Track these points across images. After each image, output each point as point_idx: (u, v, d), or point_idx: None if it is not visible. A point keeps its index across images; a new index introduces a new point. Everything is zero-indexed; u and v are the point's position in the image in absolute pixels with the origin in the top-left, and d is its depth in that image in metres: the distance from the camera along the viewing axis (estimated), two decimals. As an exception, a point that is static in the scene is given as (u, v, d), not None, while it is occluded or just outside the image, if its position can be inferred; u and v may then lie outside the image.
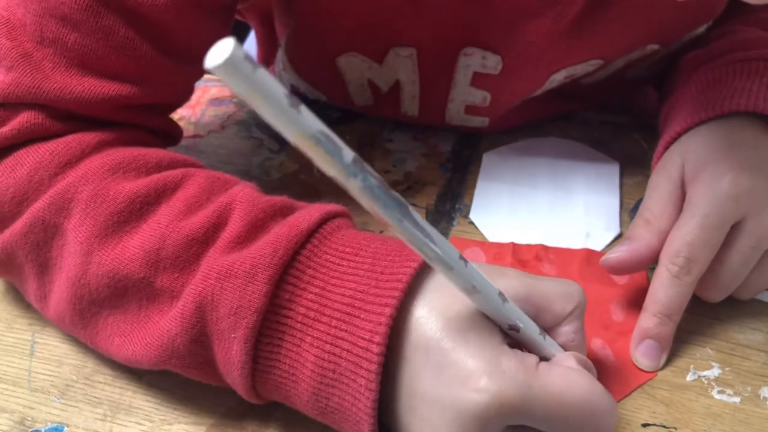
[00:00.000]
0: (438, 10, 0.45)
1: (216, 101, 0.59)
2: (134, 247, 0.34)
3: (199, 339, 0.33)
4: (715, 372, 0.39)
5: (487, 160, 0.53)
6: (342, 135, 0.60)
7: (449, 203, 0.49)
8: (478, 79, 0.49)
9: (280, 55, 0.56)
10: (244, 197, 0.35)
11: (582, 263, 0.44)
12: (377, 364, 0.30)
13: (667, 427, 0.36)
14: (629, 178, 0.50)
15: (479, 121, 0.53)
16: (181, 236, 0.34)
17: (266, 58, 0.66)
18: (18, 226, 0.37)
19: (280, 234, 0.33)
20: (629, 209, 0.48)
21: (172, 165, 0.38)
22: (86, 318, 0.36)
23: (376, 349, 0.30)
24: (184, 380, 0.38)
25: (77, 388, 0.39)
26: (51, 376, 0.39)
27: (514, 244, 0.46)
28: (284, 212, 0.35)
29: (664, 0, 0.45)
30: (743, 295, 0.40)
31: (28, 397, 0.38)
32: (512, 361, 0.29)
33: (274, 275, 0.32)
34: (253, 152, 0.54)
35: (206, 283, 0.33)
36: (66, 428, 0.37)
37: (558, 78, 0.50)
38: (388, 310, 0.30)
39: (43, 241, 0.37)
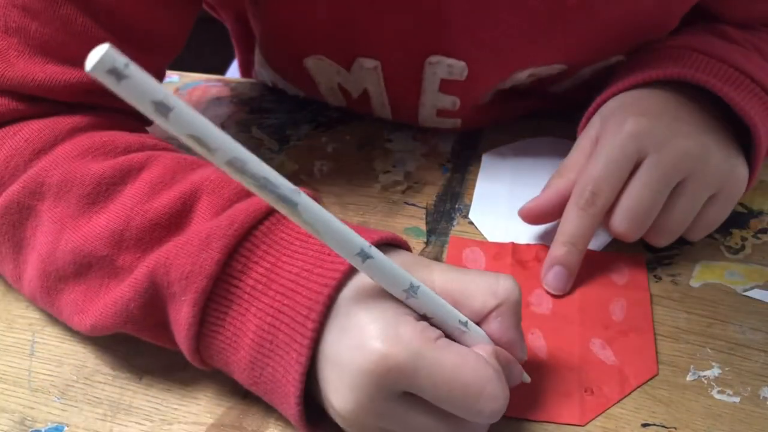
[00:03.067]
0: (399, 22, 0.45)
1: (216, 101, 0.59)
2: (100, 226, 0.36)
3: (151, 302, 0.34)
4: (714, 372, 0.39)
5: (487, 160, 0.53)
6: (342, 135, 0.60)
7: (449, 203, 0.49)
8: (446, 85, 0.50)
9: (257, 51, 0.57)
10: (210, 185, 0.36)
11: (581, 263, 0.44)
12: (310, 339, 0.31)
13: (667, 427, 0.36)
14: (629, 178, 0.50)
15: (451, 123, 0.54)
16: (145, 219, 0.35)
17: (245, 56, 0.66)
18: None
19: (239, 208, 0.34)
20: (629, 209, 0.48)
21: (141, 148, 0.39)
22: (52, 295, 0.38)
23: (311, 325, 0.31)
24: (184, 380, 0.38)
25: (77, 387, 0.39)
26: (51, 375, 0.39)
27: (513, 244, 0.46)
28: (249, 196, 0.36)
29: (625, 10, 0.45)
30: (689, 236, 0.44)
31: (29, 397, 0.38)
32: (410, 329, 0.30)
33: (228, 245, 0.33)
34: (253, 152, 0.53)
35: (162, 252, 0.34)
36: (66, 428, 0.37)
37: (522, 77, 0.50)
38: (327, 290, 0.32)
39: (19, 222, 0.38)
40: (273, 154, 0.53)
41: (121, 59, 0.22)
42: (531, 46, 0.47)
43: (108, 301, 0.35)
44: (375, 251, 0.30)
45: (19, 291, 0.41)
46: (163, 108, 0.23)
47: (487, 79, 0.50)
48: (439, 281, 0.33)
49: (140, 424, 0.37)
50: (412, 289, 0.31)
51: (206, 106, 0.59)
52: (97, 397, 0.38)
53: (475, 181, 0.51)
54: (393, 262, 0.31)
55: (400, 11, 0.45)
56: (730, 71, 0.44)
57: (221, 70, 0.78)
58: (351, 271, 0.32)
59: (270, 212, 0.34)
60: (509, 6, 0.44)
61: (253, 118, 0.57)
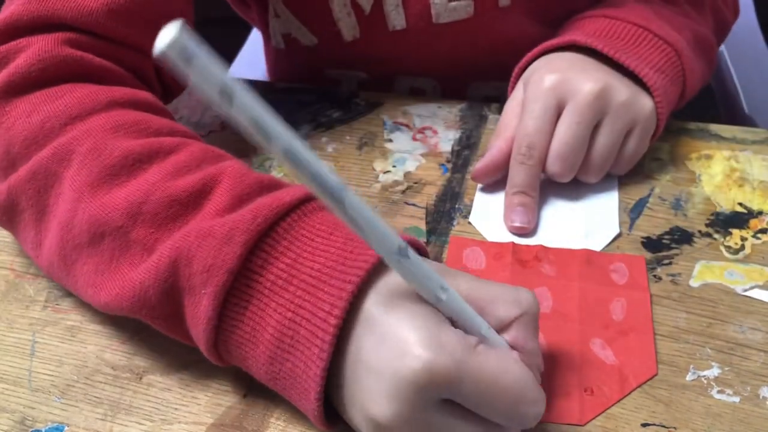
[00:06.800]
0: None
1: (216, 101, 0.59)
2: (120, 198, 0.36)
3: (170, 292, 0.35)
4: (714, 372, 0.39)
5: (487, 160, 0.53)
6: (342, 135, 0.60)
7: (449, 203, 0.49)
8: None
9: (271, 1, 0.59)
10: (232, 171, 0.37)
11: (581, 263, 0.44)
12: (332, 335, 0.31)
13: (667, 427, 0.36)
14: (628, 177, 0.50)
15: (464, 9, 0.56)
16: (164, 195, 0.36)
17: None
18: (23, 172, 0.39)
19: (262, 203, 0.34)
20: (628, 209, 0.48)
21: (172, 133, 0.40)
22: (68, 264, 0.38)
23: (333, 321, 0.31)
24: (184, 380, 0.39)
25: (77, 387, 0.39)
26: (51, 375, 0.39)
27: (513, 244, 0.46)
28: (270, 189, 0.36)
29: None
30: (616, 170, 0.50)
31: (29, 397, 0.38)
32: (451, 337, 0.30)
33: (250, 240, 0.33)
34: (253, 152, 0.54)
35: (185, 240, 0.34)
36: (66, 428, 0.37)
37: None
38: (350, 287, 0.32)
39: (44, 189, 0.39)
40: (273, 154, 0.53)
41: (191, 41, 0.22)
42: None
43: (127, 283, 0.35)
44: (411, 251, 0.30)
45: (37, 261, 0.41)
46: (227, 93, 0.24)
47: None
48: (464, 288, 0.33)
49: (140, 424, 0.37)
50: (443, 292, 0.31)
51: (206, 106, 0.59)
52: (97, 397, 0.38)
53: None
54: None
55: None
56: (633, 30, 0.51)
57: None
58: (373, 270, 0.33)
59: (292, 208, 0.35)
60: None
61: (254, 118, 0.57)
